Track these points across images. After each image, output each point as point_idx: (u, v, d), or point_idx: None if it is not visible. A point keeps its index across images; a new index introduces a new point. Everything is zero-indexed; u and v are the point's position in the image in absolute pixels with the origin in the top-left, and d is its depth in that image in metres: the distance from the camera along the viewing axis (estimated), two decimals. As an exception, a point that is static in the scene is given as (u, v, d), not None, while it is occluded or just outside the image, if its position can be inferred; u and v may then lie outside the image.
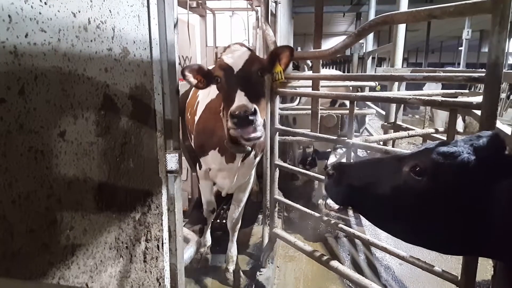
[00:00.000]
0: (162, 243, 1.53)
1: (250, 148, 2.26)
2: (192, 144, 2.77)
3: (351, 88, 3.77)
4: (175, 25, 1.47)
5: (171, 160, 1.53)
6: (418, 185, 0.88)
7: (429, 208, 0.86)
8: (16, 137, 0.82)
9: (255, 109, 1.73)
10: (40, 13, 0.87)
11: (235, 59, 1.93)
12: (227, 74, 1.91)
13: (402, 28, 3.91)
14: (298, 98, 4.07)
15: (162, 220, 1.52)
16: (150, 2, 1.33)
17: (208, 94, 2.56)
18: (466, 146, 0.85)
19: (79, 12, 0.99)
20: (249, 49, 2.08)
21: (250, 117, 1.70)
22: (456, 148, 0.85)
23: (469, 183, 0.82)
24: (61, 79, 0.94)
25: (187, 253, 1.77)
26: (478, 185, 0.81)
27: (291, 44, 8.61)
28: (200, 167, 2.68)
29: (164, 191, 1.52)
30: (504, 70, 1.35)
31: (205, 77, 1.99)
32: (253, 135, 1.75)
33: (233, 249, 2.97)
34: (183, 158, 2.32)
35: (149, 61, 1.32)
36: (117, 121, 1.15)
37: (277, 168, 2.80)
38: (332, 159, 3.47)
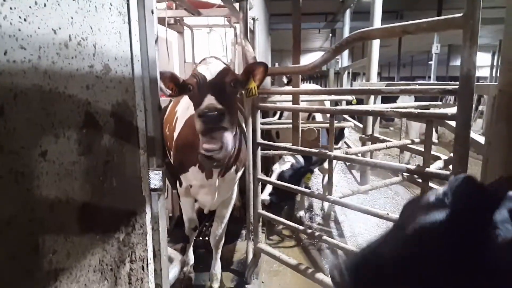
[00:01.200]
0: (147, 264, 1.48)
1: (221, 162, 2.23)
2: (171, 161, 2.73)
3: (325, 102, 3.86)
4: (156, 41, 1.48)
5: (155, 178, 1.50)
6: None
7: None
8: (-5, 159, 0.79)
9: (224, 111, 1.71)
10: (19, 30, 0.85)
11: (209, 70, 1.96)
12: (199, 82, 1.92)
13: (376, 43, 4.07)
14: (279, 112, 4.12)
15: (146, 240, 1.48)
16: (131, 18, 1.33)
17: (187, 109, 2.55)
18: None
19: (60, 29, 0.97)
20: (225, 64, 2.10)
21: (219, 117, 1.65)
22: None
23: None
24: (42, 97, 0.92)
25: (172, 272, 1.73)
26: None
27: (269, 60, 8.76)
28: (181, 184, 2.64)
29: (148, 210, 1.49)
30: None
31: (177, 86, 1.99)
32: (212, 146, 1.71)
33: (217, 266, 2.91)
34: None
35: (131, 77, 1.31)
36: (99, 139, 1.13)
37: (260, 182, 2.80)
38: (275, 172, 3.37)
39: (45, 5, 0.92)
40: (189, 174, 2.43)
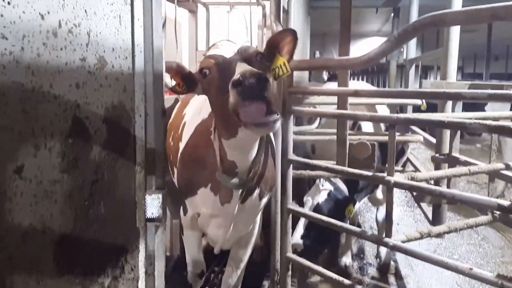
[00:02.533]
0: (139, 320, 1.53)
1: (251, 181, 2.28)
2: (175, 180, 2.80)
3: (378, 106, 3.84)
4: (163, 26, 1.56)
5: (152, 204, 1.56)
6: None
7: None
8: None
9: (265, 76, 1.64)
10: (1, 16, 0.94)
11: (225, 51, 2.01)
12: (219, 62, 1.96)
13: (455, 29, 4.03)
14: (318, 119, 4.15)
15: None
16: (134, -2, 1.42)
17: (199, 113, 2.62)
18: None
19: (49, 13, 1.06)
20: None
21: (262, 86, 1.60)
22: None
23: None
24: (22, 97, 1.00)
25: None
26: None
27: (307, 48, 8.83)
28: (185, 212, 2.70)
29: (141, 247, 1.54)
30: None
31: (185, 80, 2.05)
32: (270, 118, 1.64)
33: (229, 328, 2.93)
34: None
35: (131, 73, 1.38)
36: (87, 151, 1.20)
37: (291, 215, 2.82)
38: (307, 206, 3.28)
39: (32, -17, 1.01)
40: (197, 198, 2.49)
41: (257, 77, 1.59)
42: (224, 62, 1.92)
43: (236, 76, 1.62)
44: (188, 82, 2.05)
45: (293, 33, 2.09)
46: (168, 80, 1.97)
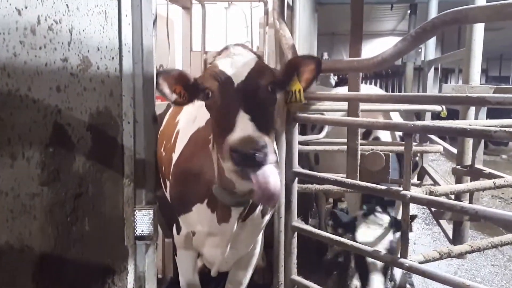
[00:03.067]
0: None
1: (250, 200, 2.27)
2: (167, 195, 2.79)
3: (391, 113, 3.83)
4: (154, 24, 1.56)
5: (142, 220, 1.55)
6: None
7: None
8: None
9: (267, 144, 1.74)
10: (-25, 12, 0.94)
11: (237, 67, 1.99)
12: (224, 87, 1.94)
13: (480, 27, 4.03)
14: (327, 127, 4.14)
15: (127, 312, 1.52)
16: (121, -8, 1.42)
17: (194, 120, 2.61)
18: None
19: (26, 8, 1.07)
20: (256, 55, 2.16)
21: (258, 156, 1.70)
22: None
23: None
24: (-3, 102, 1.00)
25: None
26: None
27: (315, 48, 8.85)
28: (179, 230, 2.69)
29: (130, 268, 1.54)
30: None
31: (187, 89, 2.03)
32: (272, 181, 1.72)
33: None
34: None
35: (118, 75, 1.38)
36: (70, 162, 1.20)
37: (296, 233, 2.80)
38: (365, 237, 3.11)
39: (9, -24, 1.02)
40: (192, 216, 2.47)
41: (255, 149, 1.67)
42: (228, 95, 1.92)
43: (235, 140, 1.70)
44: (190, 91, 2.03)
45: (318, 62, 2.10)
46: (167, 91, 1.94)
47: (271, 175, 1.75)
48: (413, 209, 6.67)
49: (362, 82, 3.21)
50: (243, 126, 1.76)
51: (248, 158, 1.68)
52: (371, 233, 3.19)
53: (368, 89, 4.97)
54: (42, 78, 1.10)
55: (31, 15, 1.08)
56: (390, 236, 3.11)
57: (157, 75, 1.92)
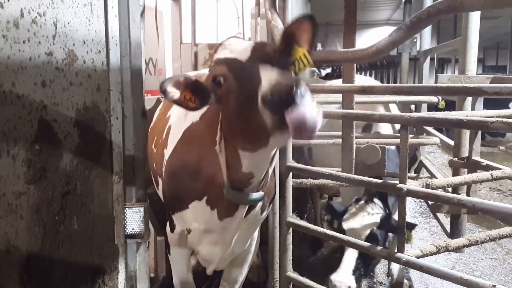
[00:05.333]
0: None
1: (262, 194, 2.24)
2: (159, 192, 2.78)
3: (389, 105, 3.85)
4: (142, 15, 1.55)
5: (133, 218, 1.55)
6: None
7: None
8: None
9: (295, 78, 1.63)
10: (-46, 5, 0.93)
11: (239, 51, 1.97)
12: (234, 65, 1.91)
13: (476, 15, 4.04)
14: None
15: (118, 313, 1.52)
16: (107, -17, 1.41)
17: (185, 115, 2.61)
18: None
19: (8, 1, 1.06)
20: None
21: (295, 92, 1.55)
22: None
23: None
24: (-20, 98, 0.99)
25: None
26: None
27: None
28: (172, 227, 2.68)
29: (121, 267, 1.53)
30: None
31: (196, 93, 1.99)
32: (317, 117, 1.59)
33: None
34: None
35: (105, 69, 1.37)
36: (57, 159, 1.19)
37: (291, 229, 2.81)
38: (359, 235, 3.10)
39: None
40: (188, 213, 2.47)
41: (291, 87, 1.55)
42: (242, 67, 1.87)
43: (265, 90, 1.62)
44: (200, 95, 1.99)
45: (311, 19, 2.04)
46: (178, 96, 1.89)
47: (308, 106, 1.59)
48: (410, 202, 6.71)
49: (357, 73, 3.22)
50: (269, 74, 1.69)
51: (287, 100, 1.56)
52: (358, 220, 3.23)
53: (364, 80, 4.98)
54: (27, 73, 1.09)
55: (14, 8, 1.07)
56: (375, 225, 3.15)
57: (164, 83, 1.87)
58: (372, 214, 3.22)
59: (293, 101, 1.54)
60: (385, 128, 3.78)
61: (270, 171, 2.25)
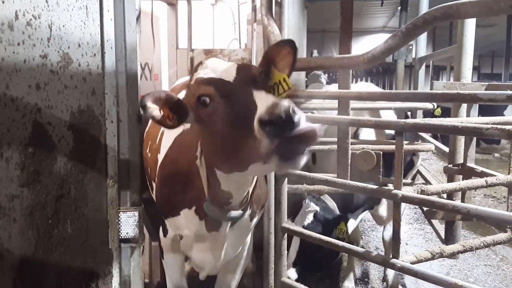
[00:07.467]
0: None
1: (241, 212, 2.23)
2: (154, 197, 2.78)
3: (381, 112, 3.86)
4: (138, 19, 1.55)
5: (127, 223, 1.54)
6: None
7: None
8: None
9: (290, 102, 1.58)
10: None
11: (223, 71, 1.94)
12: (222, 85, 1.87)
13: (471, 23, 4.06)
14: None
15: (111, 318, 1.51)
16: (103, -13, 1.41)
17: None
18: None
19: (3, 2, 1.05)
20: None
21: (292, 116, 1.48)
22: None
23: None
24: (-26, 100, 0.98)
25: None
26: None
27: (304, 46, 8.86)
28: (165, 232, 2.67)
29: (115, 272, 1.52)
30: None
31: (175, 111, 1.94)
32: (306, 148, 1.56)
33: None
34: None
35: (100, 73, 1.37)
36: (51, 162, 1.18)
37: (286, 234, 2.81)
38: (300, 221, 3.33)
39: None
40: (180, 219, 2.46)
41: (288, 110, 1.48)
42: (231, 88, 1.83)
43: (262, 113, 1.54)
44: (178, 113, 1.94)
45: (291, 44, 2.01)
46: (157, 113, 1.85)
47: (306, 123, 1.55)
48: (405, 208, 6.71)
49: (353, 81, 3.22)
50: (264, 98, 1.64)
51: (284, 123, 1.49)
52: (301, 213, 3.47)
53: (365, 87, 5.00)
54: (21, 75, 1.09)
55: (9, 10, 1.06)
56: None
57: (144, 98, 1.81)
58: (305, 212, 3.40)
59: (292, 123, 1.49)
60: (366, 133, 3.81)
61: (251, 190, 2.23)
